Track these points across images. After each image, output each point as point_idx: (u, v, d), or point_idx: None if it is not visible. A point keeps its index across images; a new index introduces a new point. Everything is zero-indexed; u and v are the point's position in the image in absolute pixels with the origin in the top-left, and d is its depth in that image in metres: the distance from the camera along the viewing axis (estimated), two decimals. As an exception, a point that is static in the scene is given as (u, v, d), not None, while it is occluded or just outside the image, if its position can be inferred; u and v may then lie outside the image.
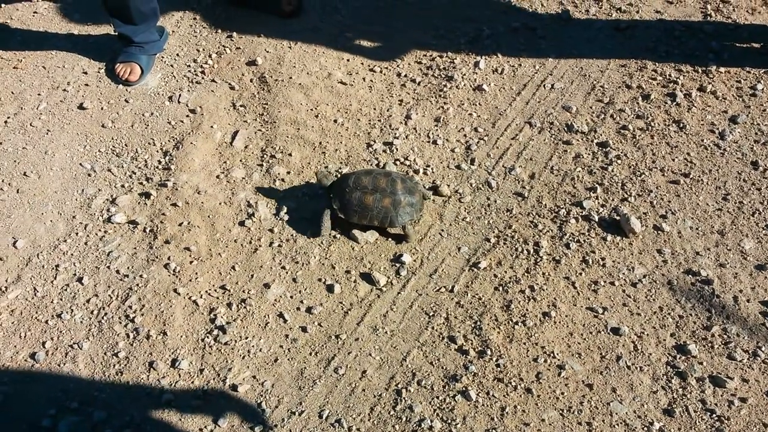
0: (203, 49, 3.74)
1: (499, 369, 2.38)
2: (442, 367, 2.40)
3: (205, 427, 2.25)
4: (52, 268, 2.71)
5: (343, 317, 2.56)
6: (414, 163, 3.11)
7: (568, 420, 2.23)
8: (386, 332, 2.51)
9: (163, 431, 2.23)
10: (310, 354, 2.45)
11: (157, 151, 3.18)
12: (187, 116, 3.35)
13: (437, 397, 2.31)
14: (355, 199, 2.73)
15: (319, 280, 2.68)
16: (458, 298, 2.60)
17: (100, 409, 2.28)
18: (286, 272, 2.71)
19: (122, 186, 3.02)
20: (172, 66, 3.66)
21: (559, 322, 2.50)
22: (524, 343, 2.45)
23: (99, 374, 2.39)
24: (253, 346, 2.47)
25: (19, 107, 3.38)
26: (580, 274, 2.66)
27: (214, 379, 2.38)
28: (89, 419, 2.26)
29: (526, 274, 2.67)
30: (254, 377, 2.39)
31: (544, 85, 3.49)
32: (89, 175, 3.08)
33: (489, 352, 2.42)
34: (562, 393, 2.30)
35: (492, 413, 2.26)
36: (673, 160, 3.08)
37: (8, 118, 3.32)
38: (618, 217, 2.82)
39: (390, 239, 2.79)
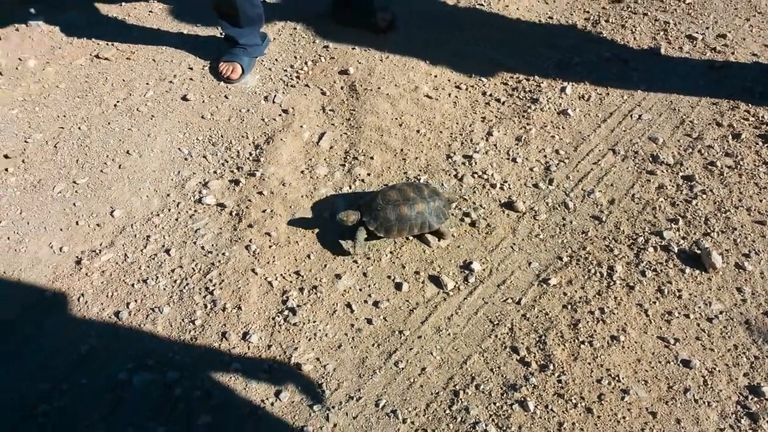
0: (300, 57, 3.95)
1: (560, 385, 2.36)
2: (502, 375, 2.41)
3: (267, 398, 2.34)
4: (144, 238, 2.91)
5: (408, 315, 2.61)
6: (491, 178, 3.15)
7: (628, 443, 2.18)
8: (449, 334, 2.54)
9: (229, 397, 2.33)
10: (373, 345, 2.51)
11: (249, 144, 3.37)
12: (280, 115, 3.54)
13: (494, 403, 2.32)
14: (390, 213, 2.79)
15: (389, 277, 2.75)
16: (525, 311, 2.61)
17: (174, 370, 2.42)
18: (358, 266, 2.80)
19: (215, 172, 3.22)
20: (270, 69, 3.88)
21: (628, 348, 2.46)
22: (589, 363, 2.42)
23: (175, 337, 2.53)
24: (319, 330, 2.56)
25: (128, 93, 3.68)
26: (654, 302, 2.61)
27: (280, 355, 2.48)
28: (163, 377, 2.39)
29: (597, 296, 2.64)
30: (318, 359, 2.47)
31: (631, 115, 3.47)
32: (186, 159, 3.29)
33: (551, 366, 2.41)
34: (624, 417, 2.25)
35: (549, 427, 2.24)
36: (761, 200, 2.98)
37: (118, 101, 3.62)
38: (699, 251, 2.76)
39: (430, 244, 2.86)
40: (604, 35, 4.03)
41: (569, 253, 2.81)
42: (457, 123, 3.46)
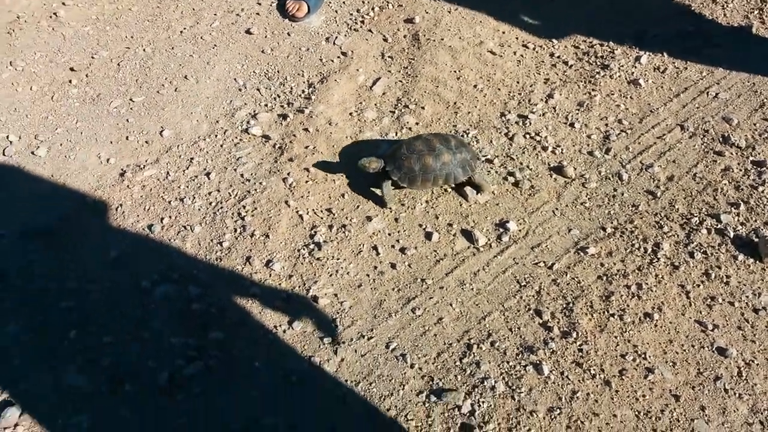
0: (368, 2, 3.88)
1: (580, 354, 2.24)
2: (521, 336, 2.31)
3: (280, 325, 2.35)
4: (188, 159, 2.96)
5: (433, 264, 2.54)
6: (544, 140, 3.01)
7: (643, 424, 2.05)
8: (472, 289, 2.46)
9: (244, 318, 2.35)
10: (393, 289, 2.47)
11: (304, 82, 3.35)
12: (338, 57, 3.50)
13: (507, 362, 2.23)
14: (414, 163, 2.67)
15: (420, 225, 2.69)
16: (556, 276, 2.49)
17: (196, 286, 2.46)
18: (391, 212, 2.74)
19: (265, 105, 3.22)
20: (336, 12, 3.83)
21: (661, 327, 2.30)
22: (615, 337, 2.28)
23: (201, 256, 2.57)
24: (342, 268, 2.53)
25: (195, 22, 3.72)
26: (698, 285, 2.43)
27: (299, 287, 2.47)
28: (185, 291, 2.44)
29: (636, 271, 2.48)
30: (335, 295, 2.44)
31: (707, 93, 3.22)
32: (240, 90, 3.31)
33: (575, 335, 2.29)
34: (644, 396, 2.12)
35: (561, 393, 2.13)
36: (842, 195, 2.70)
37: (184, 28, 3.67)
38: (756, 239, 2.54)
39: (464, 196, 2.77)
40: (693, 8, 3.73)
41: (614, 225, 2.65)
42: (518, 82, 3.31)
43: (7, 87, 3.26)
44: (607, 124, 3.09)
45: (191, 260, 2.55)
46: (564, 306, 2.38)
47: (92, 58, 3.44)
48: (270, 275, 2.50)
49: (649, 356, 2.22)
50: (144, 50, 3.50)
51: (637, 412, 2.07)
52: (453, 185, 2.77)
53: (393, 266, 2.54)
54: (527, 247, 2.59)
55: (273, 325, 2.35)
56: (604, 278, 2.47)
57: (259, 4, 3.88)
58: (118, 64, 3.41)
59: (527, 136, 3.03)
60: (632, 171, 2.86)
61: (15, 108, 3.15)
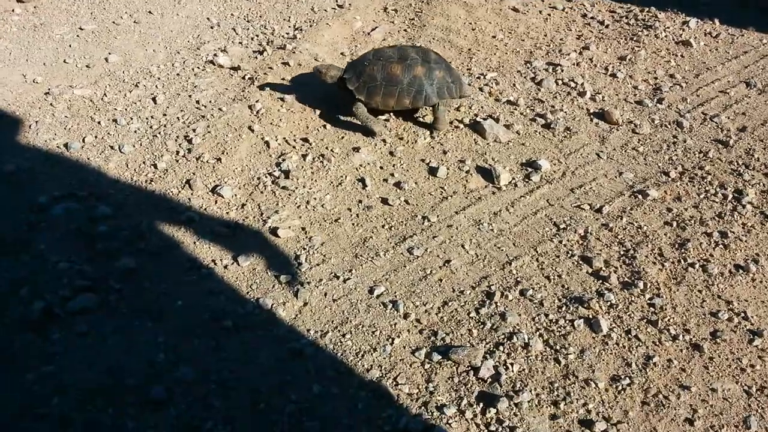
0: (371, -34, 3.40)
1: (652, 309, 1.53)
2: (563, 286, 1.60)
3: (221, 259, 1.64)
4: (133, 84, 2.36)
5: (439, 202, 1.87)
6: (580, 87, 2.42)
7: (758, 401, 1.30)
8: (492, 230, 1.77)
9: (167, 247, 1.67)
10: (383, 226, 1.78)
11: (290, 27, 2.81)
12: (333, 8, 2.98)
13: (545, 315, 1.51)
14: (377, 71, 2.02)
15: (422, 160, 2.04)
16: (607, 220, 1.80)
17: (108, 205, 1.78)
18: (386, 145, 2.10)
19: (240, 43, 2.66)
20: (334, -27, 3.34)
21: (760, 282, 1.60)
22: (699, 291, 1.58)
23: (126, 177, 1.90)
24: (314, 199, 1.85)
25: (173, -29, 3.23)
26: (803, 239, 1.73)
27: (254, 216, 1.79)
28: (90, 210, 1.76)
29: (716, 218, 1.81)
30: (303, 229, 1.75)
31: (773, 54, 2.65)
32: (212, 27, 2.77)
33: (641, 286, 1.59)
34: (752, 365, 1.38)
35: (629, 358, 1.40)
36: None
37: (160, -25, 3.16)
38: None
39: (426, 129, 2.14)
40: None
41: (680, 170, 2.01)
42: (545, 35, 2.77)
43: (-66, 11, 2.69)
44: (656, 78, 2.51)
45: (110, 180, 1.88)
46: (622, 253, 1.69)
47: (45, -7, 2.90)
48: (215, 202, 1.82)
49: (751, 316, 1.51)
50: (107, -10, 2.96)
51: (745, 387, 1.33)
52: (420, 107, 2.10)
53: (385, 201, 1.86)
54: (565, 188, 1.93)
55: (210, 258, 1.65)
56: (674, 224, 1.79)
57: (248, -38, 3.39)
58: (75, 0, 2.86)
59: (559, 82, 2.45)
60: (694, 121, 2.26)
61: (-64, 29, 2.57)
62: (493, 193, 1.92)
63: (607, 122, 2.26)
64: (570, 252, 1.72)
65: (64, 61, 2.46)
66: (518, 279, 1.63)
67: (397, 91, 2.01)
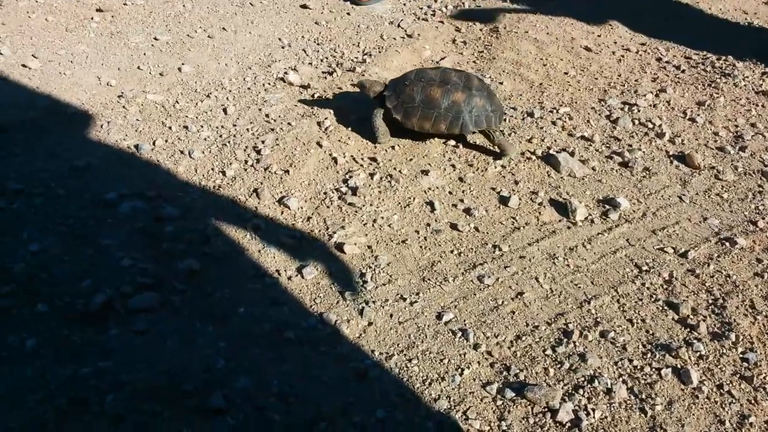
0: (441, 1, 3.42)
1: (745, 364, 1.40)
2: (647, 331, 1.49)
3: (285, 270, 1.59)
4: (205, 94, 2.37)
5: (511, 231, 1.79)
6: (658, 128, 2.33)
7: None
8: (568, 265, 1.67)
9: (233, 253, 1.63)
10: (452, 251, 1.70)
11: (359, 52, 2.81)
12: (402, 37, 2.98)
13: (629, 360, 1.40)
14: (417, 92, 1.97)
15: (493, 188, 1.97)
16: (693, 266, 1.69)
17: (175, 207, 1.75)
18: (455, 170, 2.04)
19: (310, 63, 2.67)
20: (404, 4, 3.38)
21: None
22: (798, 349, 1.44)
23: (194, 181, 1.88)
24: (381, 218, 1.79)
25: (248, -8, 3.29)
26: None
27: (319, 230, 1.73)
28: (157, 210, 1.73)
29: (812, 273, 1.67)
30: (369, 247, 1.69)
31: None
32: (283, 47, 2.79)
33: (733, 338, 1.46)
34: None
35: (722, 415, 1.28)
36: None
37: (235, -5, 3.23)
38: None
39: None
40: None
41: (768, 221, 1.87)
42: (619, 75, 2.70)
43: (20, 14, 2.80)
44: (737, 125, 2.40)
45: (179, 183, 1.86)
46: (711, 302, 1.57)
47: (124, 4, 2.99)
48: (282, 213, 1.78)
49: None
50: (183, 5, 3.05)
51: None
52: (456, 134, 2.04)
53: (454, 227, 1.79)
54: (646, 229, 1.82)
55: (275, 268, 1.59)
56: (765, 276, 1.66)
57: (321, -11, 3.44)
58: (151, 12, 2.94)
59: (636, 122, 2.36)
60: (780, 171, 2.12)
61: (22, 31, 2.66)
62: (569, 227, 1.83)
63: (688, 166, 2.16)
64: (654, 296, 1.60)
65: (138, 68, 2.49)
66: (598, 319, 1.52)
67: (434, 115, 1.97)
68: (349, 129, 2.21)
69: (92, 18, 2.85)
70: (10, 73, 2.36)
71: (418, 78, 2.02)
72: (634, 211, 1.92)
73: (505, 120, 2.09)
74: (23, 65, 2.43)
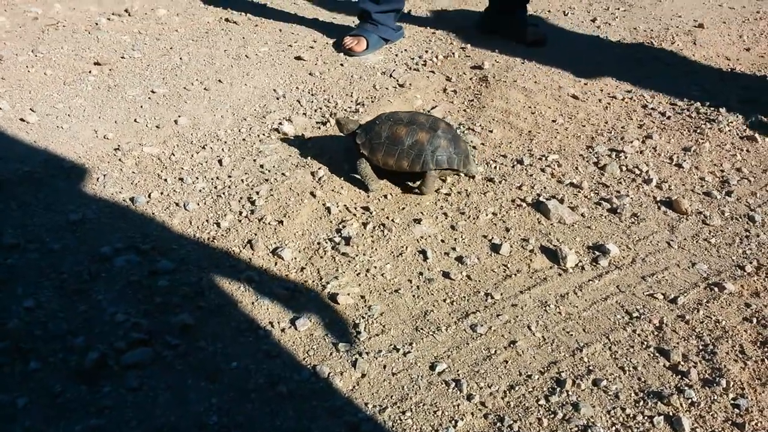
0: (431, 51, 3.53)
1: (737, 411, 1.41)
2: (639, 378, 1.50)
3: (279, 322, 1.60)
4: (200, 146, 2.41)
5: (502, 279, 1.81)
6: (645, 174, 2.38)
7: None
8: (559, 312, 1.69)
9: (226, 306, 1.64)
10: (445, 300, 1.72)
11: (352, 101, 2.88)
12: (394, 87, 3.05)
13: (622, 409, 1.40)
14: (384, 130, 2.10)
15: (484, 236, 2.00)
16: (683, 311, 1.71)
17: (170, 260, 1.77)
18: (447, 219, 2.07)
19: (304, 113, 2.73)
20: (396, 55, 3.47)
21: None
22: (790, 396, 1.45)
23: (189, 234, 1.91)
24: (375, 267, 1.82)
25: (243, 45, 3.39)
26: None
27: (313, 281, 1.75)
28: (151, 264, 1.75)
29: (801, 318, 1.69)
30: (363, 297, 1.71)
31: None
32: (277, 98, 2.85)
33: (723, 384, 1.47)
34: None
35: (717, 464, 1.27)
36: None
37: (228, 49, 3.32)
38: None
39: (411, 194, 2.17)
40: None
41: (755, 265, 1.92)
42: (606, 122, 2.76)
43: (20, 68, 2.87)
44: (722, 170, 2.46)
45: (173, 236, 1.88)
46: (701, 348, 1.58)
47: (122, 58, 3.07)
48: (275, 264, 1.80)
49: None
50: (180, 58, 3.12)
51: None
52: (417, 171, 2.13)
53: (446, 275, 1.81)
54: (635, 275, 1.85)
55: (268, 320, 1.60)
56: (754, 321, 1.69)
57: (315, 41, 3.56)
58: (148, 65, 3.02)
59: (623, 168, 2.41)
60: (765, 216, 2.17)
61: (21, 85, 2.72)
62: (560, 274, 1.85)
63: (676, 211, 2.20)
64: (645, 342, 1.62)
65: (135, 121, 2.54)
66: (590, 367, 1.53)
67: (397, 152, 2.07)
68: (342, 179, 2.25)
69: (90, 71, 2.92)
70: (8, 128, 2.41)
71: (388, 118, 2.15)
72: (623, 258, 1.94)
73: (468, 164, 2.17)
74: (21, 119, 2.47)
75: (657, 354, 1.58)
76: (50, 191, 2.05)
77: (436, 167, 2.09)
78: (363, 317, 1.64)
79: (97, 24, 3.44)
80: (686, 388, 1.47)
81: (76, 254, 1.77)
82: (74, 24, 3.43)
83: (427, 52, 3.51)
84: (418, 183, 2.16)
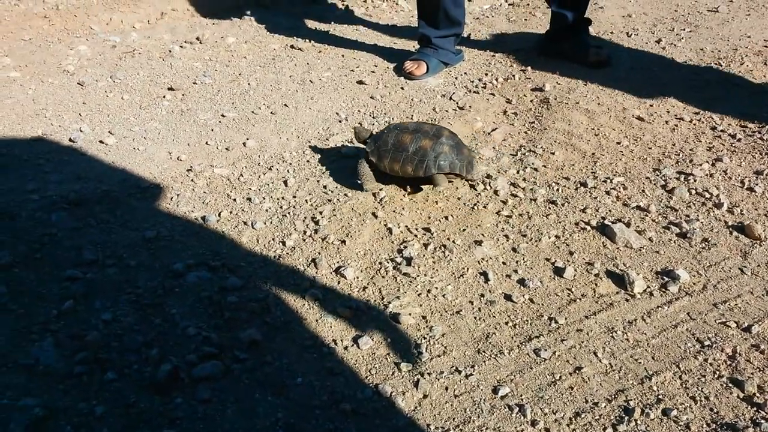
0: (491, 74, 3.54)
1: (822, 449, 1.33)
2: (711, 409, 1.44)
3: (341, 339, 1.63)
4: (267, 167, 2.50)
5: (567, 304, 1.78)
6: (716, 198, 2.30)
7: None
8: (627, 339, 1.65)
9: (292, 322, 1.68)
10: (507, 323, 1.71)
11: (412, 124, 2.90)
12: (454, 110, 3.08)
13: (694, 441, 1.35)
14: (391, 138, 2.24)
15: (547, 259, 1.98)
16: (757, 341, 1.64)
17: (238, 277, 1.83)
18: (508, 240, 2.06)
19: (365, 136, 2.77)
20: (455, 78, 3.50)
21: None
22: None
23: (256, 251, 1.97)
24: (436, 288, 1.83)
25: (307, 71, 3.50)
26: None
27: (375, 300, 1.78)
28: (221, 281, 1.82)
29: None
30: (424, 317, 1.72)
31: None
32: (340, 121, 2.92)
33: (805, 420, 1.39)
34: None
35: (799, 504, 1.21)
36: None
37: (294, 74, 3.43)
38: None
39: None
40: None
41: (839, 295, 1.81)
42: (673, 145, 2.70)
43: (99, 93, 3.05)
44: (799, 195, 2.34)
45: (242, 253, 1.95)
46: (779, 380, 1.50)
47: (194, 83, 3.22)
48: (338, 282, 1.83)
49: None
50: (248, 84, 3.25)
51: None
52: (421, 176, 2.23)
53: (508, 298, 1.80)
54: (707, 302, 1.79)
55: (332, 338, 1.64)
56: (837, 353, 1.59)
57: (376, 66, 3.63)
58: (218, 90, 3.15)
59: (692, 191, 2.35)
60: None
61: (100, 109, 2.89)
62: (627, 300, 1.81)
63: (748, 237, 2.12)
64: (717, 372, 1.56)
65: (206, 143, 2.65)
66: (660, 396, 1.49)
67: (402, 158, 2.19)
68: (403, 199, 2.27)
69: (164, 96, 3.07)
70: (89, 149, 2.56)
71: (395, 127, 2.30)
72: (694, 284, 1.88)
73: (471, 170, 2.28)
74: (100, 141, 2.62)
75: (730, 384, 1.52)
76: (127, 209, 2.16)
77: (438, 171, 2.19)
78: (424, 338, 1.65)
79: (170, 51, 3.61)
80: (763, 421, 1.41)
81: (151, 270, 1.86)
82: (149, 51, 3.62)
83: (486, 74, 3.52)
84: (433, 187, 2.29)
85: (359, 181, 2.28)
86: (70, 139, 2.60)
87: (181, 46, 3.74)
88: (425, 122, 2.45)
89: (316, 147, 2.65)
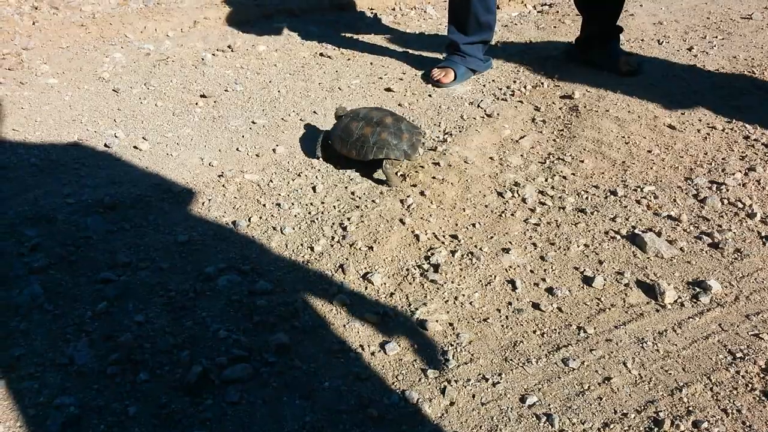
0: (519, 81, 3.53)
1: None
2: (744, 423, 1.42)
3: (369, 345, 1.64)
4: (296, 173, 2.52)
5: (596, 313, 1.77)
6: (749, 208, 2.26)
7: None
8: (657, 350, 1.63)
9: (319, 327, 1.70)
10: (534, 332, 1.71)
11: (440, 131, 2.93)
12: (482, 117, 3.08)
13: (726, 454, 1.32)
14: (342, 123, 2.48)
15: (576, 268, 1.96)
16: (792, 354, 1.60)
17: (267, 282, 1.86)
18: (536, 249, 2.05)
19: (393, 143, 2.78)
20: (483, 86, 3.50)
21: None
22: None
23: (285, 256, 2.00)
24: (463, 296, 1.83)
25: (336, 78, 3.53)
26: None
27: (402, 306, 1.78)
28: (251, 284, 1.84)
29: None
30: (451, 325, 1.72)
31: None
32: (368, 128, 2.93)
33: (842, 436, 1.36)
34: None
35: None
36: None
37: (323, 82, 3.47)
38: None
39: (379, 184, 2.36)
40: None
41: None
42: (706, 154, 2.66)
43: (133, 99, 3.12)
44: (836, 206, 2.29)
45: (271, 258, 1.98)
46: (815, 395, 1.47)
47: (225, 91, 3.27)
48: (366, 288, 1.85)
49: None
50: (278, 91, 3.30)
51: None
52: (362, 160, 2.44)
53: (536, 306, 1.79)
54: (739, 313, 1.76)
55: (359, 343, 1.65)
56: None
57: (404, 73, 3.66)
58: (249, 97, 3.20)
59: (725, 201, 2.31)
60: None
61: (134, 115, 2.96)
62: (657, 310, 1.79)
63: (784, 247, 2.07)
64: (750, 385, 1.53)
65: (237, 149, 2.69)
66: (690, 408, 1.46)
67: (348, 143, 2.39)
68: (431, 206, 2.28)
69: (197, 103, 3.13)
70: (123, 154, 2.62)
71: (353, 112, 2.53)
72: (726, 295, 1.85)
73: (410, 155, 2.41)
74: (135, 147, 2.68)
75: (763, 398, 1.49)
76: (160, 213, 2.21)
77: (375, 157, 2.37)
78: (451, 345, 1.66)
79: (203, 59, 3.68)
80: (799, 436, 1.38)
81: (183, 273, 1.89)
82: (182, 59, 3.69)
83: (515, 82, 3.51)
84: (384, 181, 2.43)
85: (317, 151, 2.57)
86: (105, 145, 2.67)
87: (213, 54, 3.80)
88: (381, 108, 2.60)
89: (345, 154, 2.67)
